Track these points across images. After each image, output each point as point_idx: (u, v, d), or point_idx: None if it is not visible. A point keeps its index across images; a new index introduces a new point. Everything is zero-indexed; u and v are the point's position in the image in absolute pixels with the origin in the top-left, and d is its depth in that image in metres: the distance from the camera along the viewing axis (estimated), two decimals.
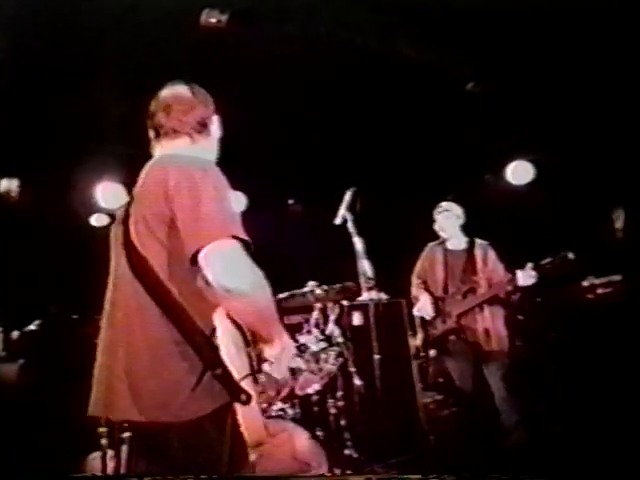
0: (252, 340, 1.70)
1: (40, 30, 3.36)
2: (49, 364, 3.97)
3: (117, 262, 1.74)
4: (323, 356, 3.03)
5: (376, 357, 3.27)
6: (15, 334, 4.05)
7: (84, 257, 4.70)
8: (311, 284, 3.43)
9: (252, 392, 1.60)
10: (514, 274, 3.42)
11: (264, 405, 2.50)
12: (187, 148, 1.81)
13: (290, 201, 6.73)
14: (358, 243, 3.13)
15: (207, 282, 1.55)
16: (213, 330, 1.62)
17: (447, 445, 3.91)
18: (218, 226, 1.56)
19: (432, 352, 3.79)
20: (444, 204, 3.92)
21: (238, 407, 1.60)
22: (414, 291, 3.95)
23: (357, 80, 4.29)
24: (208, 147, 1.88)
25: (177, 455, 1.57)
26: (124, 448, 2.95)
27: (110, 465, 2.80)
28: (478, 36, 3.81)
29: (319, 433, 3.18)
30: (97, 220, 5.47)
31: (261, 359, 1.71)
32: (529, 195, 5.55)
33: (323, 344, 3.09)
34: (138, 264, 1.64)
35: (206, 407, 1.57)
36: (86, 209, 5.38)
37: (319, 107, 4.57)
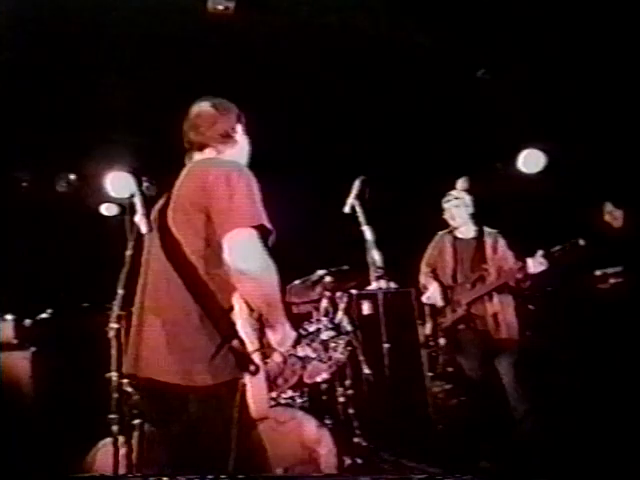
0: (258, 323, 1.89)
1: (51, 20, 3.36)
2: (60, 352, 4.01)
3: (151, 243, 2.00)
4: (332, 345, 3.03)
5: (385, 346, 3.26)
6: (27, 322, 4.08)
7: (95, 246, 4.75)
8: (320, 272, 3.42)
9: (261, 365, 1.80)
10: (524, 262, 3.39)
11: (275, 393, 2.54)
12: (217, 157, 2.06)
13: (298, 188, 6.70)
14: (367, 232, 3.12)
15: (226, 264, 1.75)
16: (231, 307, 1.83)
17: (456, 434, 3.91)
18: (246, 217, 1.77)
19: (441, 341, 3.78)
20: (454, 193, 3.91)
21: (247, 380, 1.78)
22: (423, 279, 3.94)
23: (367, 67, 4.25)
24: (235, 155, 2.09)
25: (192, 419, 1.74)
26: (135, 434, 3.00)
27: (122, 451, 2.84)
28: (489, 22, 3.76)
29: (328, 421, 3.19)
30: (107, 210, 5.50)
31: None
32: (540, 184, 5.49)
33: (332, 333, 3.09)
34: (170, 246, 1.86)
35: (221, 376, 1.75)
36: (96, 198, 5.41)
37: (328, 95, 4.54)
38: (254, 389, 1.78)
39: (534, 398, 3.48)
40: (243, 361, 1.78)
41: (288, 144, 5.13)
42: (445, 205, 3.86)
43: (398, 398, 3.28)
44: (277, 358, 1.90)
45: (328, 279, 3.41)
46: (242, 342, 1.80)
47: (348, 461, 3.24)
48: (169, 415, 1.81)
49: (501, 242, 3.71)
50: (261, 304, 1.82)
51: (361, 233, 3.13)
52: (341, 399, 3.37)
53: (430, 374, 4.38)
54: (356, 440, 3.31)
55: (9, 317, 4.04)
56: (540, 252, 3.36)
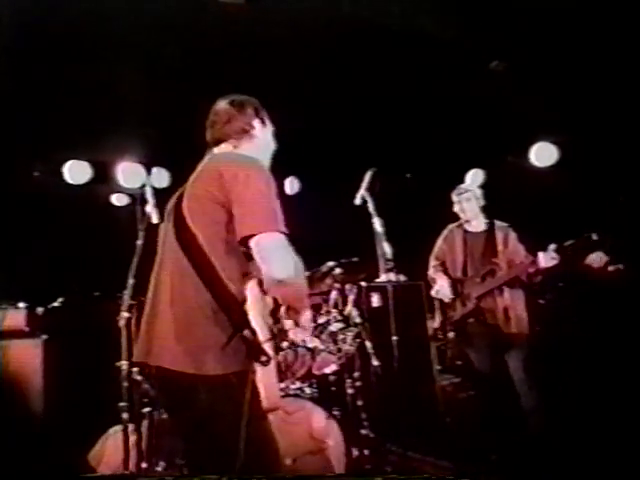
0: (285, 312, 1.94)
1: (65, 8, 3.36)
2: (72, 340, 4.04)
3: (166, 233, 2.01)
4: (341, 337, 3.04)
5: (394, 338, 3.26)
6: (39, 310, 4.12)
7: (106, 236, 4.78)
8: (329, 264, 3.42)
9: (272, 355, 1.83)
10: (536, 256, 3.36)
11: (284, 383, 2.57)
12: (234, 151, 2.09)
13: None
14: (377, 224, 3.11)
15: (258, 269, 1.80)
16: (244, 299, 1.87)
17: (464, 427, 3.91)
18: (267, 219, 1.80)
19: (451, 334, 3.77)
20: (464, 186, 3.88)
21: (258, 370, 1.82)
22: (431, 273, 3.92)
23: (378, 59, 4.22)
24: (252, 149, 2.09)
25: (202, 407, 1.75)
26: (145, 422, 3.03)
27: (132, 438, 2.87)
28: (502, 14, 3.71)
29: (336, 412, 3.20)
30: (118, 199, 5.53)
31: (282, 331, 1.97)
32: (552, 177, 5.45)
33: (341, 325, 3.09)
34: (185, 236, 1.88)
35: (232, 366, 1.77)
36: (107, 188, 5.43)
37: (340, 86, 4.51)
38: (265, 379, 1.83)
39: (543, 393, 3.46)
40: (255, 351, 1.80)
41: (300, 136, 5.12)
42: (455, 198, 3.83)
43: (406, 391, 3.28)
44: (302, 334, 1.98)
45: (338, 271, 3.41)
46: (254, 332, 1.82)
47: (356, 452, 3.25)
48: (179, 403, 1.82)
49: (512, 236, 3.68)
50: (293, 300, 1.89)
51: (371, 225, 3.12)
52: (350, 391, 3.38)
53: (438, 367, 4.38)
54: (364, 432, 3.32)
55: (21, 305, 4.09)
56: (552, 246, 3.32)
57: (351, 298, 3.40)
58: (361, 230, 3.30)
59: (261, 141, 2.15)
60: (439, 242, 3.96)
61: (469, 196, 3.77)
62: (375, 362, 3.44)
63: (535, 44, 4.07)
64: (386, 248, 3.05)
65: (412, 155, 6.13)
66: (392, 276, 3.28)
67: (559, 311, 4.75)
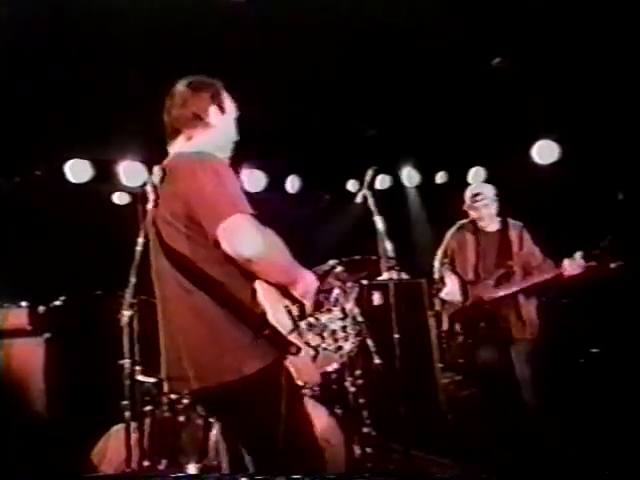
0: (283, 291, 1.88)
1: (66, 7, 3.36)
2: (73, 338, 4.05)
3: (156, 258, 1.95)
4: (342, 335, 3.03)
5: (396, 336, 3.26)
6: (41, 309, 4.13)
7: (107, 234, 4.78)
8: (331, 262, 3.41)
9: (300, 344, 1.83)
10: (555, 261, 3.23)
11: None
12: (185, 145, 1.98)
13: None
14: (379, 222, 3.10)
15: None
16: (254, 292, 1.81)
17: (466, 425, 3.90)
18: (228, 206, 1.73)
19: (460, 338, 3.63)
20: (477, 189, 3.69)
21: (291, 360, 1.82)
22: (440, 271, 3.76)
23: (380, 57, 4.21)
24: (207, 141, 1.97)
25: (241, 409, 1.77)
26: (147, 421, 3.03)
27: (134, 437, 2.87)
28: (504, 11, 3.70)
29: (338, 411, 3.20)
30: (119, 198, 5.54)
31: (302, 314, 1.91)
32: (554, 175, 5.43)
33: (342, 323, 3.08)
34: (176, 258, 1.84)
35: (263, 361, 1.76)
36: (109, 187, 5.44)
37: (343, 84, 4.50)
38: (300, 368, 1.84)
39: (549, 394, 3.40)
40: (282, 345, 1.80)
41: (300, 133, 5.12)
42: (470, 204, 3.64)
43: (408, 389, 3.28)
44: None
45: (339, 269, 3.40)
46: (275, 329, 1.80)
47: (358, 451, 3.25)
48: (231, 412, 1.83)
49: (526, 236, 3.53)
50: (278, 276, 1.84)
51: (373, 223, 3.12)
52: (351, 389, 3.38)
53: (440, 365, 4.37)
54: (366, 430, 3.32)
55: (23, 304, 4.09)
56: (579, 254, 3.17)
57: (353, 296, 3.39)
58: (362, 228, 3.29)
59: (217, 130, 2.00)
60: (447, 238, 3.79)
61: (486, 202, 3.60)
62: (377, 360, 3.44)
63: (537, 41, 4.06)
64: (387, 246, 3.05)
65: (413, 153, 6.12)
66: (394, 274, 3.27)
67: (568, 314, 4.63)
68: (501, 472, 3.04)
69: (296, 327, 1.85)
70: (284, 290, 1.88)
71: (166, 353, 1.92)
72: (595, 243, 3.24)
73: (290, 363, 1.83)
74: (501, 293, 3.45)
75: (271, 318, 1.81)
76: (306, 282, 1.91)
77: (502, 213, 3.65)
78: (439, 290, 3.76)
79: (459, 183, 4.40)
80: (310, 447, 1.86)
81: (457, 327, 3.64)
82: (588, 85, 4.50)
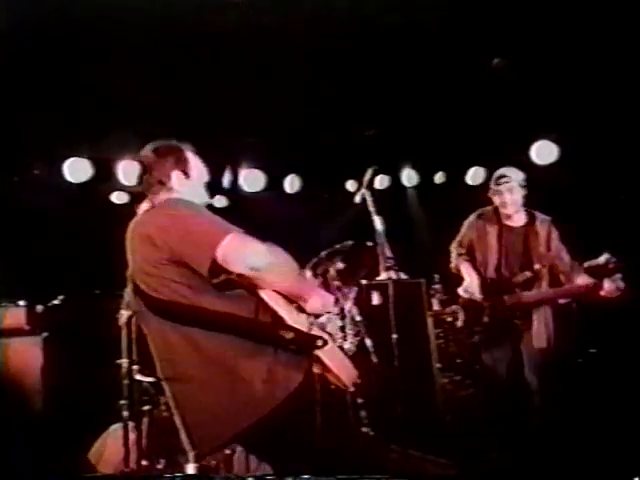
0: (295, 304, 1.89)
1: (63, 9, 3.35)
2: (72, 338, 4.05)
3: (147, 325, 1.91)
4: (341, 334, 3.04)
5: (394, 336, 3.26)
6: (39, 308, 4.12)
7: (106, 234, 4.77)
8: (323, 253, 3.40)
9: (325, 336, 1.81)
10: (587, 271, 3.09)
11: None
12: (145, 213, 1.96)
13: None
14: (378, 222, 3.10)
15: (239, 275, 1.74)
16: (258, 307, 1.80)
17: (464, 426, 3.90)
18: (215, 232, 1.72)
19: (476, 337, 3.44)
20: (503, 171, 3.31)
21: (322, 357, 1.79)
22: (456, 262, 3.50)
23: (380, 57, 4.22)
24: (168, 196, 1.94)
25: (287, 433, 1.76)
26: (145, 420, 3.02)
27: (132, 436, 2.86)
28: (503, 11, 3.70)
29: (336, 412, 3.18)
30: (118, 198, 5.54)
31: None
32: (553, 175, 5.43)
33: (341, 322, 3.09)
34: (166, 310, 1.78)
35: (294, 380, 1.77)
36: (108, 186, 5.44)
37: (344, 83, 4.50)
38: (334, 361, 1.82)
39: (549, 394, 3.30)
40: (307, 341, 1.78)
41: (300, 133, 5.12)
42: (494, 187, 3.29)
43: (406, 389, 3.28)
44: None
45: (340, 265, 3.40)
46: (297, 330, 1.78)
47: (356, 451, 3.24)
48: (270, 447, 1.84)
49: (554, 234, 3.26)
50: (289, 285, 1.83)
51: (372, 223, 3.11)
52: (350, 389, 3.37)
53: (439, 365, 4.37)
54: (364, 430, 3.32)
55: (21, 303, 4.09)
56: (619, 275, 3.01)
57: (351, 296, 3.39)
58: (361, 228, 3.29)
59: (181, 195, 1.95)
60: (465, 228, 3.51)
61: (511, 186, 3.21)
62: (375, 360, 3.44)
63: (536, 42, 4.06)
64: (386, 246, 3.04)
65: (412, 153, 6.12)
66: (392, 274, 3.27)
67: (581, 322, 4.54)
68: (500, 472, 3.04)
69: (315, 319, 1.86)
70: (289, 296, 1.87)
71: (189, 416, 1.84)
72: (595, 243, 3.22)
73: (324, 356, 1.80)
74: (527, 300, 3.22)
75: (289, 320, 1.80)
76: (323, 298, 1.93)
77: (529, 204, 3.32)
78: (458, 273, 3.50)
79: (458, 183, 4.39)
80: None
81: (474, 326, 3.44)
82: (588, 85, 4.50)
